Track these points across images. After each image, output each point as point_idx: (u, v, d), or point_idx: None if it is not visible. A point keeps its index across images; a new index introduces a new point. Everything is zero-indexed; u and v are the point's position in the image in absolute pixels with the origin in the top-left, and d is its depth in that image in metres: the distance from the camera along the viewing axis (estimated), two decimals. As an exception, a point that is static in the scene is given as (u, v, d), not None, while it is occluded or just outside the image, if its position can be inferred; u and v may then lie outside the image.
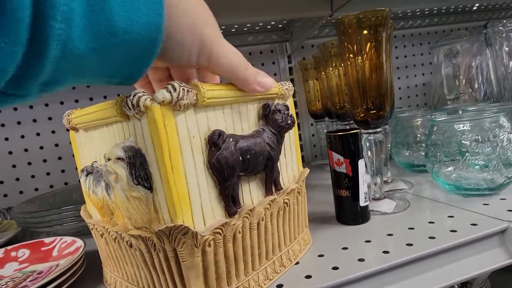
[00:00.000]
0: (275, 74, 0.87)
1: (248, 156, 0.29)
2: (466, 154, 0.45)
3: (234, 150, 0.28)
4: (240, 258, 0.30)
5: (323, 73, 0.72)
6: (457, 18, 1.01)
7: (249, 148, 0.29)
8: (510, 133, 0.44)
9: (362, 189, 0.42)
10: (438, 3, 0.82)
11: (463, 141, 0.46)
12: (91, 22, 0.18)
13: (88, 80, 0.22)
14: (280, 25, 0.82)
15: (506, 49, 0.64)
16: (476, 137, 0.45)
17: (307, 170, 0.39)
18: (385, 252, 0.35)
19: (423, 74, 1.02)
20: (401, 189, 0.54)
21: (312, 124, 0.92)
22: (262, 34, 0.83)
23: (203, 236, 0.26)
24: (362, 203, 0.43)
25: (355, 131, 0.42)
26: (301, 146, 0.92)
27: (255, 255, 0.31)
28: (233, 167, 0.28)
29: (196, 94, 0.26)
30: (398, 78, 1.00)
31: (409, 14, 0.92)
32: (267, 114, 0.32)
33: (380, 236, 0.39)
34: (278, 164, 0.34)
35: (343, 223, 0.44)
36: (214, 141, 0.27)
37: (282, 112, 0.33)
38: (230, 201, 0.29)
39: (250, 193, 0.31)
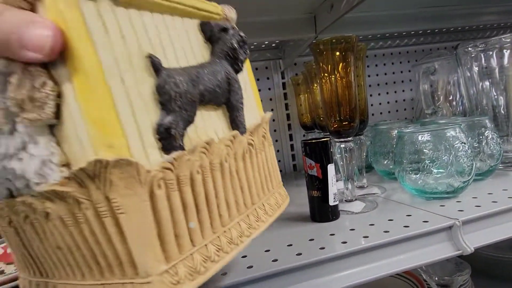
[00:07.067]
0: (269, 89, 0.95)
1: (203, 87, 0.23)
2: (426, 161, 0.51)
3: (188, 78, 0.22)
4: (203, 208, 0.22)
5: (310, 88, 0.79)
6: (443, 37, 1.07)
7: (204, 76, 0.24)
8: (464, 143, 0.50)
9: (331, 190, 0.49)
10: (412, 26, 0.89)
11: (424, 150, 0.52)
12: None
13: None
14: (274, 44, 0.89)
15: (476, 69, 0.70)
16: (435, 146, 0.51)
17: (270, 113, 0.34)
18: (344, 242, 0.41)
19: (411, 90, 1.08)
20: (374, 193, 0.60)
21: (304, 135, 0.98)
22: (257, 52, 0.91)
23: (149, 171, 0.18)
24: (331, 202, 0.49)
25: (325, 139, 0.49)
26: (293, 155, 0.98)
27: (222, 205, 0.24)
28: (185, 96, 0.22)
29: None
30: (387, 93, 1.06)
31: (395, 34, 0.99)
32: (210, 36, 0.26)
33: (343, 230, 0.45)
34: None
35: (315, 221, 0.50)
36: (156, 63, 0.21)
37: (229, 31, 0.26)
38: (173, 138, 0.21)
39: (206, 129, 0.24)
